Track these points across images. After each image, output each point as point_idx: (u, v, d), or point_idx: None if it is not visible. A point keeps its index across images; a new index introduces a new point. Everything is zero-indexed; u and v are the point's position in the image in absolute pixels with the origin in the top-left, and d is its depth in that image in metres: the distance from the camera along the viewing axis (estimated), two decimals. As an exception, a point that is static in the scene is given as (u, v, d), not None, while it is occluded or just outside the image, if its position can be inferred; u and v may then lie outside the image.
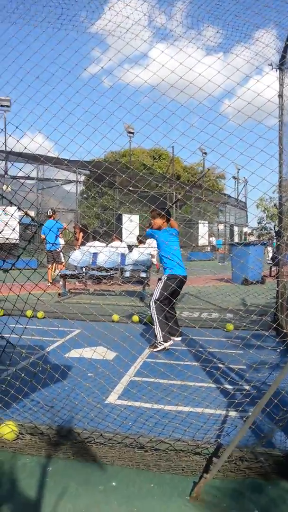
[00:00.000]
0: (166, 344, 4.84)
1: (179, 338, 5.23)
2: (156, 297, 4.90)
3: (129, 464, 2.39)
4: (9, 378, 3.01)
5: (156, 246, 5.29)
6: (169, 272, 4.98)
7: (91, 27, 3.51)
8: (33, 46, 2.85)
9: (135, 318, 6.51)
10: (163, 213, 5.15)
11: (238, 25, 3.95)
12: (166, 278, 4.97)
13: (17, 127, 2.76)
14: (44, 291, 3.00)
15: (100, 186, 5.22)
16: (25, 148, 2.71)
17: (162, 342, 4.83)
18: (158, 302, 4.86)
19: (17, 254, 2.71)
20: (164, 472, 2.32)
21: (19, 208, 2.74)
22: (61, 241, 14.05)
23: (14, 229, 2.93)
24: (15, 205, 2.62)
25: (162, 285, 4.97)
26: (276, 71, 5.76)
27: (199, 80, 2.72)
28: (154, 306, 4.90)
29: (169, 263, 5.00)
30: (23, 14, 3.50)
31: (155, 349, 4.84)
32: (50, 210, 11.52)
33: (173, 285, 4.75)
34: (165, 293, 4.86)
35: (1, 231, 2.65)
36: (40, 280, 2.95)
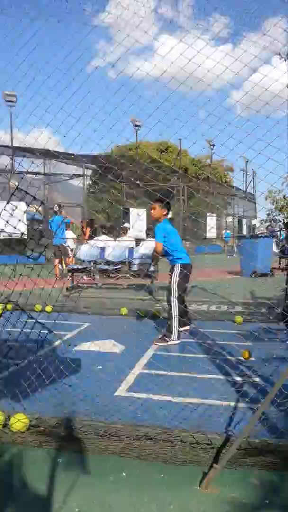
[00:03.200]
0: (177, 342, 4.80)
1: (187, 328, 5.21)
2: (176, 293, 4.79)
3: (139, 455, 2.40)
4: (19, 372, 3.04)
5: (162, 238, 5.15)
6: (181, 262, 4.88)
7: (94, 18, 3.47)
8: (36, 38, 2.83)
9: (143, 311, 6.52)
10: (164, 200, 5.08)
11: (246, 11, 3.87)
12: (180, 269, 4.84)
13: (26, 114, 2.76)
14: (52, 285, 3.01)
15: (108, 177, 5.19)
16: (27, 137, 2.71)
17: (174, 339, 4.79)
18: (178, 298, 4.79)
19: (23, 250, 2.72)
20: (174, 463, 2.32)
21: (36, 209, 2.75)
22: (71, 234, 14.07)
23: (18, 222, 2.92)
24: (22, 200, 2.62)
25: (177, 277, 4.83)
26: (285, 61, 5.66)
27: (205, 71, 2.68)
28: (175, 302, 4.79)
29: (179, 253, 4.92)
30: (24, 4, 3.47)
31: (162, 343, 4.80)
32: (56, 205, 11.54)
33: (186, 272, 4.73)
34: (181, 284, 4.81)
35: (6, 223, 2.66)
36: (50, 271, 2.96)
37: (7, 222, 2.84)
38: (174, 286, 4.82)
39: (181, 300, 4.84)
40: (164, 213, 5.01)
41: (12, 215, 2.86)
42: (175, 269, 4.89)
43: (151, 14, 3.20)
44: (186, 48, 2.46)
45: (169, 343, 4.77)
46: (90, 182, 22.08)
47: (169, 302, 4.86)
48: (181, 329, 4.94)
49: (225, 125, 2.60)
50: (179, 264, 4.87)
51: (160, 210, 4.98)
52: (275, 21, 3.34)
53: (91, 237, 11.75)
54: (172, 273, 4.90)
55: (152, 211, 5.06)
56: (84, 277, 10.85)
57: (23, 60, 2.80)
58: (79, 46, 2.86)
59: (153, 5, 3.39)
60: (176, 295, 4.80)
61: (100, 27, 3.22)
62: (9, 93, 16.62)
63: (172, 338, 4.78)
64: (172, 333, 4.79)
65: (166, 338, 4.81)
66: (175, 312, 4.80)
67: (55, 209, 11.49)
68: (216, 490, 2.09)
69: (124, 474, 2.25)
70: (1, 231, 2.98)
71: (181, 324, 4.95)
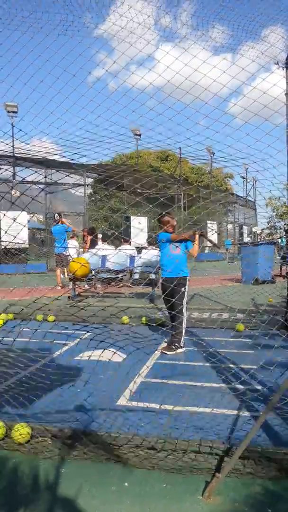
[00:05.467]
0: (183, 350, 4.81)
1: None
2: (187, 303, 4.90)
3: (141, 464, 2.39)
4: (21, 381, 3.04)
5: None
6: (189, 274, 4.99)
7: (96, 30, 3.54)
8: (37, 50, 2.89)
9: (145, 319, 6.52)
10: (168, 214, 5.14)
11: (244, 24, 3.94)
12: (188, 280, 4.97)
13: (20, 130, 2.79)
14: (45, 295, 3.02)
15: (106, 188, 5.22)
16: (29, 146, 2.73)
17: (182, 346, 4.81)
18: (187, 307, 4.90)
19: (26, 258, 2.74)
20: (176, 472, 2.32)
21: (32, 213, 2.77)
22: (75, 243, 14.13)
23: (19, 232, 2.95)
24: (25, 210, 2.65)
25: (187, 287, 4.95)
26: (283, 69, 5.74)
27: (205, 81, 2.72)
28: (186, 312, 4.91)
29: (186, 266, 5.02)
30: (27, 19, 3.54)
31: (170, 352, 4.78)
32: (56, 214, 11.59)
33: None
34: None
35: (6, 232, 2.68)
36: (45, 279, 2.96)
37: (7, 231, 2.86)
38: (186, 296, 4.90)
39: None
40: (174, 223, 5.13)
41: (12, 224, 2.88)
42: (186, 280, 4.94)
43: (152, 27, 3.26)
44: (183, 66, 2.51)
45: (177, 351, 4.77)
46: (91, 191, 22.19)
47: (179, 312, 4.81)
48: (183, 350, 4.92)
49: (225, 130, 2.64)
50: (188, 277, 4.97)
51: (173, 221, 5.10)
52: (273, 30, 3.39)
53: (92, 246, 11.78)
54: (183, 284, 4.86)
55: (170, 226, 5.03)
56: (86, 286, 10.86)
57: (33, 75, 2.84)
58: (80, 58, 2.91)
59: (154, 16, 3.46)
60: (187, 304, 4.90)
61: (100, 39, 3.28)
62: (11, 104, 16.79)
63: (180, 345, 4.79)
64: (180, 341, 4.80)
65: (173, 346, 4.80)
66: (185, 321, 4.86)
67: (55, 218, 11.54)
68: (219, 500, 2.08)
69: (126, 484, 2.24)
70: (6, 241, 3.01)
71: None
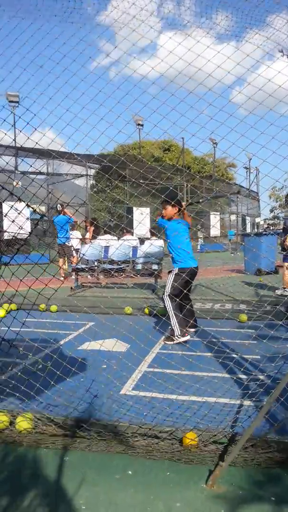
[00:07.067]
0: (183, 339, 4.77)
1: (193, 330, 5.20)
2: (169, 291, 4.86)
3: (145, 453, 2.40)
4: (24, 371, 3.05)
5: (165, 236, 5.17)
6: (179, 266, 4.93)
7: (98, 17, 3.47)
8: (38, 38, 2.84)
9: (147, 310, 6.52)
10: (173, 202, 5.06)
11: (248, 10, 3.85)
12: (176, 271, 4.91)
13: (23, 117, 2.76)
14: (47, 285, 3.00)
15: (109, 178, 5.19)
16: (28, 138, 2.71)
17: (179, 336, 4.77)
18: (171, 296, 4.81)
19: (28, 250, 2.74)
20: (180, 461, 2.33)
21: (28, 206, 2.74)
22: (78, 234, 14.10)
23: (21, 226, 2.93)
24: (23, 201, 2.63)
25: (173, 278, 4.91)
26: (288, 57, 5.64)
27: (208, 68, 2.67)
28: (168, 300, 4.84)
29: (179, 256, 4.94)
30: (31, 8, 3.47)
31: (170, 342, 4.80)
32: (59, 205, 11.54)
33: (183, 276, 4.72)
34: (177, 286, 4.81)
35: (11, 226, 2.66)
36: (42, 274, 2.94)
37: (12, 221, 2.85)
38: (168, 286, 4.91)
39: (178, 304, 4.82)
40: (175, 211, 5.08)
41: (18, 215, 2.87)
42: (172, 271, 5.01)
43: (154, 13, 3.20)
44: (187, 51, 2.46)
45: (175, 341, 4.76)
46: (94, 182, 22.11)
47: (162, 300, 4.95)
48: (184, 339, 4.84)
49: (229, 122, 2.60)
50: (177, 268, 4.95)
51: (171, 209, 5.07)
52: (278, 18, 3.33)
53: (94, 237, 11.76)
54: (170, 273, 5.04)
55: (164, 212, 5.15)
56: (88, 277, 10.88)
57: (32, 63, 2.80)
58: (81, 45, 2.86)
59: (156, 4, 3.39)
60: (168, 293, 4.86)
61: (102, 26, 3.22)
62: (12, 93, 16.64)
63: (176, 335, 4.76)
64: (175, 331, 4.78)
65: (172, 337, 4.81)
66: (170, 310, 4.84)
67: (58, 209, 11.51)
68: (222, 488, 2.09)
69: (130, 472, 2.25)
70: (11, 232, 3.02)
71: (186, 324, 4.95)
